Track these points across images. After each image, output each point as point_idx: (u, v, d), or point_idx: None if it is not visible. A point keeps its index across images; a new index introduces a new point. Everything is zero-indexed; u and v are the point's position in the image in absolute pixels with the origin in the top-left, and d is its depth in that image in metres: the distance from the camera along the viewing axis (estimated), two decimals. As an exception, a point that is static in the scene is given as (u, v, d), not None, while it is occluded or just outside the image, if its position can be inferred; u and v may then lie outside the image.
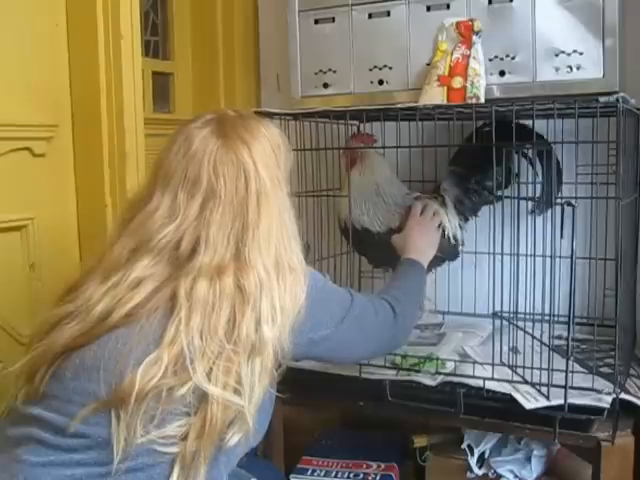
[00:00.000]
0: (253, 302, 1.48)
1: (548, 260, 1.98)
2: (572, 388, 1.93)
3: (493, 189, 2.36)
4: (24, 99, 2.25)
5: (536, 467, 2.31)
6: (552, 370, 1.96)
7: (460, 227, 2.47)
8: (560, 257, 1.99)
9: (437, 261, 2.46)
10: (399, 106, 2.12)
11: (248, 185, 1.54)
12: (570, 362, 2.00)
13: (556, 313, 2.05)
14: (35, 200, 2.30)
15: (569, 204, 1.90)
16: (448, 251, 2.44)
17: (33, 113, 2.27)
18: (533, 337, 2.08)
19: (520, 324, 2.16)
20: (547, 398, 1.95)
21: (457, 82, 2.16)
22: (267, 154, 1.61)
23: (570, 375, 1.93)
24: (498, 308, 2.17)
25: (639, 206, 2.40)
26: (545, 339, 2.08)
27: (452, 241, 2.44)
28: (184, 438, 1.42)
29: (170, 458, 1.43)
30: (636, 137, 2.33)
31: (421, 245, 2.26)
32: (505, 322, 2.23)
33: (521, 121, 2.11)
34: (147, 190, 1.60)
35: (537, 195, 2.28)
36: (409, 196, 2.46)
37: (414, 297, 2.11)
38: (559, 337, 2.25)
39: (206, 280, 1.47)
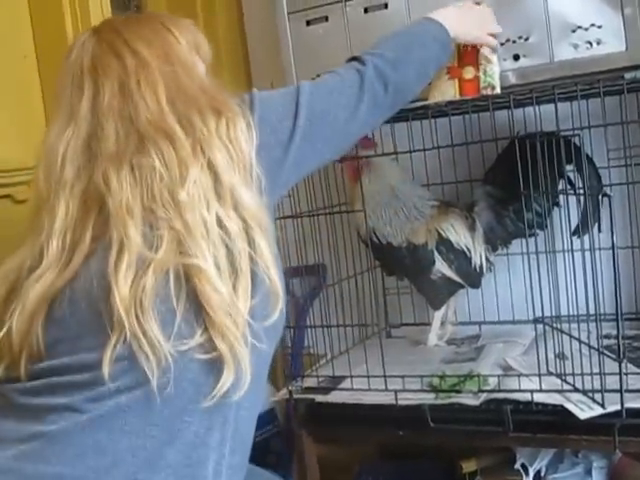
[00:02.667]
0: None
1: (587, 254, 1.94)
2: (628, 391, 1.89)
3: (529, 224, 2.31)
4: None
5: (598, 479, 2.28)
6: (604, 374, 1.92)
7: (487, 258, 2.45)
8: (600, 249, 1.97)
9: (455, 287, 2.47)
10: (412, 105, 2.10)
11: (126, 67, 1.53)
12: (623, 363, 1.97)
13: (601, 312, 1.98)
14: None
15: (605, 194, 1.88)
16: (469, 276, 2.42)
17: (11, 156, 2.26)
18: (580, 341, 2.04)
19: (564, 327, 2.12)
20: (602, 406, 1.91)
21: (468, 72, 2.13)
22: (149, 31, 1.60)
23: (624, 377, 1.89)
24: (537, 312, 2.16)
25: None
26: (592, 340, 2.04)
27: (477, 270, 2.43)
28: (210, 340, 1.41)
29: (210, 361, 1.42)
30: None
31: (456, 18, 2.04)
32: (547, 327, 2.20)
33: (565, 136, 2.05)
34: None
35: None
36: (429, 202, 2.45)
37: (418, 62, 1.92)
38: (607, 336, 2.22)
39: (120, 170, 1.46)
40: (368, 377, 2.22)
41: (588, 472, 2.30)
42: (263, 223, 1.49)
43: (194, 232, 1.41)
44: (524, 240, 2.31)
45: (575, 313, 2.13)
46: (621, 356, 1.89)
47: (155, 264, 1.38)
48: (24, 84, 2.33)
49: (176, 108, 1.50)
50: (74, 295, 1.44)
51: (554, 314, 2.10)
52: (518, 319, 2.59)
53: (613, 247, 1.88)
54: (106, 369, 1.37)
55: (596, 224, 2.17)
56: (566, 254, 2.09)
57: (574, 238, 2.16)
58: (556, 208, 2.39)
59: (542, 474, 2.34)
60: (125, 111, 1.49)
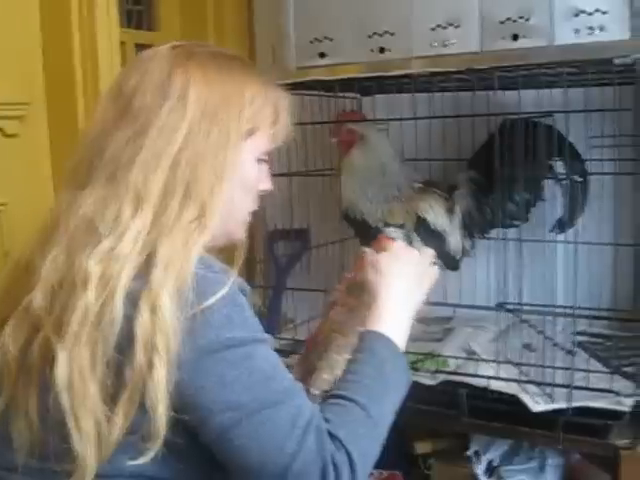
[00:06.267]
0: None
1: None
2: (578, 388, 1.80)
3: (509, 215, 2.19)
4: (-8, 74, 2.17)
5: (551, 477, 2.16)
6: (554, 368, 1.86)
7: (463, 244, 2.30)
8: (576, 243, 1.89)
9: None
10: (392, 73, 2.00)
11: None
12: (592, 360, 1.96)
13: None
14: (8, 184, 2.21)
15: (575, 181, 1.79)
16: (445, 259, 2.27)
17: (3, 89, 2.17)
18: (538, 332, 1.95)
19: (539, 318, 2.05)
20: (551, 399, 1.82)
21: None
22: None
23: (587, 375, 1.85)
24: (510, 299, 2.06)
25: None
26: (566, 335, 1.98)
27: (452, 254, 2.29)
28: None
29: None
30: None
31: (400, 287, 1.59)
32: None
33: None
34: None
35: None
36: (415, 184, 2.33)
37: (373, 421, 1.42)
38: (581, 333, 2.17)
39: None
40: (328, 345, 2.13)
41: (542, 468, 2.19)
42: (172, 353, 1.27)
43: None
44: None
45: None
46: (573, 350, 1.82)
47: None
48: (23, 20, 2.24)
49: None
50: None
51: (519, 302, 1.99)
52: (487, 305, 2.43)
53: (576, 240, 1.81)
54: None
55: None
56: (548, 245, 2.01)
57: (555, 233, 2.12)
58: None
59: (495, 464, 2.22)
60: None
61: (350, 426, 1.36)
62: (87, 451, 1.27)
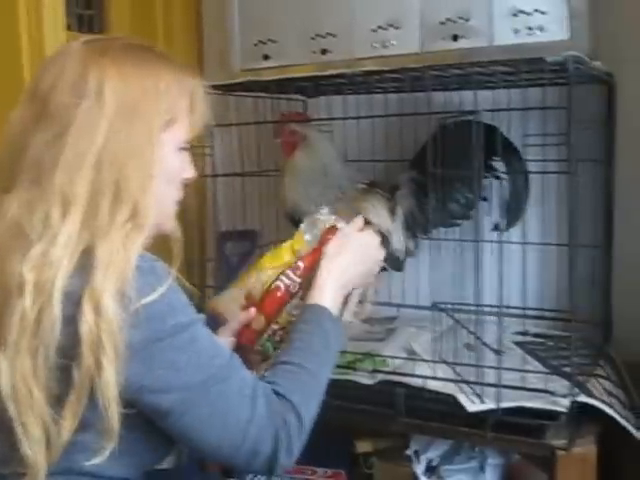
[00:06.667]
0: None
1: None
2: (508, 387, 1.79)
3: (452, 214, 2.18)
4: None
5: (491, 477, 2.15)
6: (481, 367, 1.85)
7: (406, 244, 2.27)
8: (501, 242, 1.87)
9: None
10: (325, 73, 1.98)
11: None
12: (531, 360, 1.97)
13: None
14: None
15: (497, 177, 1.78)
16: (389, 260, 2.20)
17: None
18: (469, 331, 1.93)
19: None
20: (480, 399, 1.81)
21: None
22: None
23: (524, 375, 1.86)
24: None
25: (609, 185, 2.22)
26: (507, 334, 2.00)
27: (395, 254, 2.27)
28: None
29: None
30: (607, 107, 2.16)
31: (346, 264, 1.72)
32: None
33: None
34: None
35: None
36: (357, 185, 2.31)
37: (320, 387, 1.55)
38: (523, 333, 2.20)
39: None
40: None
41: (482, 468, 2.18)
42: (119, 350, 1.27)
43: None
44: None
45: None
46: (499, 350, 1.82)
47: None
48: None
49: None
50: None
51: (452, 302, 1.99)
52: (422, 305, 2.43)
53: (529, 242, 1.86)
54: None
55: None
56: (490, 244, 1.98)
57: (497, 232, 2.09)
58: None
59: (434, 464, 2.21)
60: None
61: (301, 390, 1.48)
62: (37, 456, 1.28)
